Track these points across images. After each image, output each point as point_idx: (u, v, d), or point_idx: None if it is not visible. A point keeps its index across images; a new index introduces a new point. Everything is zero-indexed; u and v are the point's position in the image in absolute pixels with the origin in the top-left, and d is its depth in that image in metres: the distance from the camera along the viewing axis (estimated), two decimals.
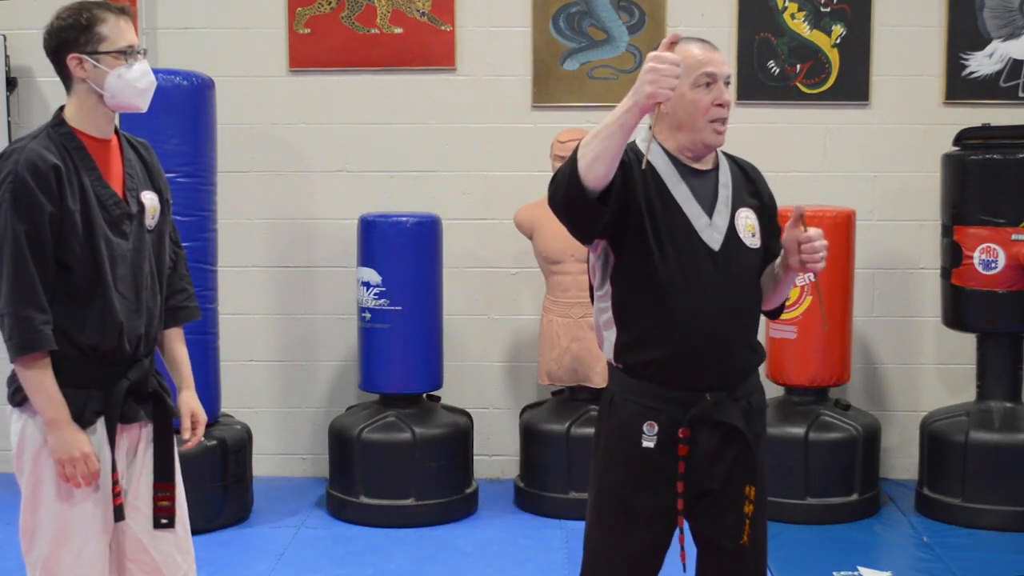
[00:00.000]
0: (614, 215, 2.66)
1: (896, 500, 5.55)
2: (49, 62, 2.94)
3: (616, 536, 2.85)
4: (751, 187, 2.90)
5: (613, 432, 2.84)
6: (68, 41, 2.88)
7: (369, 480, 5.25)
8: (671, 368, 2.76)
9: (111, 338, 2.87)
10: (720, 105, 2.76)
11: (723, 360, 2.78)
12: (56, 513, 2.88)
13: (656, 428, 2.77)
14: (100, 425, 2.90)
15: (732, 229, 2.80)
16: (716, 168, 2.85)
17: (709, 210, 2.79)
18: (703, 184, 2.81)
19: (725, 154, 2.92)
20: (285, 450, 6.02)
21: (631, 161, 2.75)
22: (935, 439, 5.32)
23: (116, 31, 2.89)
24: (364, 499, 5.26)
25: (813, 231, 2.74)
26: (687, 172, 2.81)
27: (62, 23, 2.89)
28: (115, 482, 2.91)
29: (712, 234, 2.77)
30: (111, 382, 2.90)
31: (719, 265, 2.76)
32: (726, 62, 2.82)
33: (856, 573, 4.64)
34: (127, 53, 2.89)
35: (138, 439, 3.01)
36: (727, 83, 2.79)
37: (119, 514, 2.92)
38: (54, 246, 2.82)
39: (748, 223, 2.82)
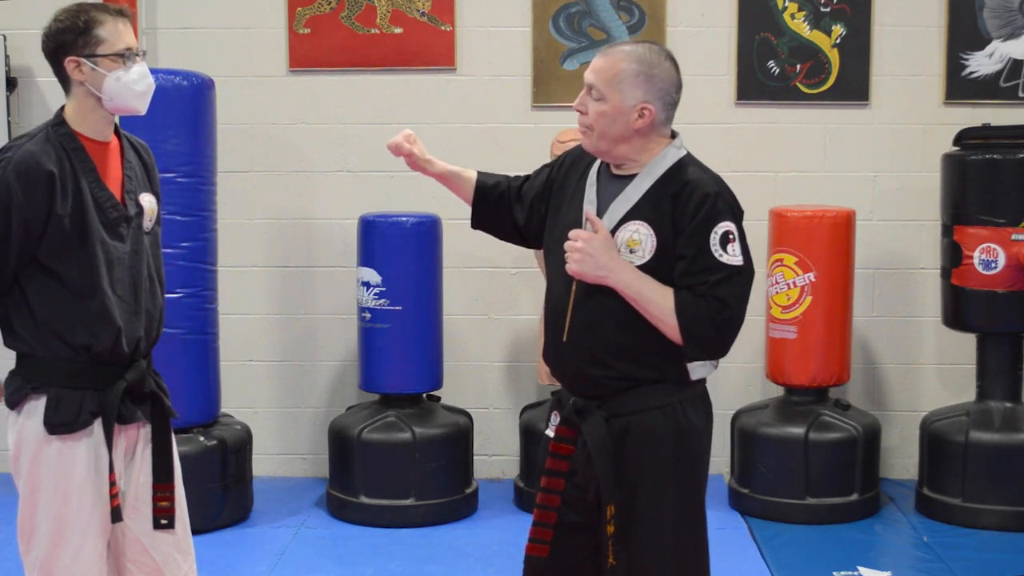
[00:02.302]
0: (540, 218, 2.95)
1: (896, 500, 5.55)
2: (44, 56, 2.93)
3: None
4: (672, 207, 2.75)
5: None
6: (66, 44, 2.87)
7: (369, 480, 5.25)
8: (550, 364, 2.91)
9: (105, 339, 2.87)
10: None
11: (576, 367, 2.81)
12: (53, 514, 2.88)
13: (558, 419, 2.88)
14: (97, 426, 2.90)
15: None
16: (633, 177, 2.81)
17: (599, 213, 2.81)
18: (611, 190, 2.83)
19: (682, 169, 2.80)
20: (285, 450, 6.02)
21: (567, 162, 2.96)
22: (935, 439, 5.32)
23: (114, 34, 2.88)
24: (364, 499, 5.26)
25: (578, 232, 2.75)
26: (606, 176, 2.86)
27: (60, 25, 2.88)
28: (112, 483, 2.91)
29: None
30: (108, 383, 2.90)
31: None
32: (599, 68, 2.78)
33: (856, 573, 4.64)
34: (125, 56, 2.88)
35: (136, 440, 3.01)
36: (591, 89, 2.78)
37: (116, 515, 2.92)
38: (37, 249, 2.81)
39: (632, 238, 2.76)
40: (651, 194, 2.77)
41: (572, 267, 2.75)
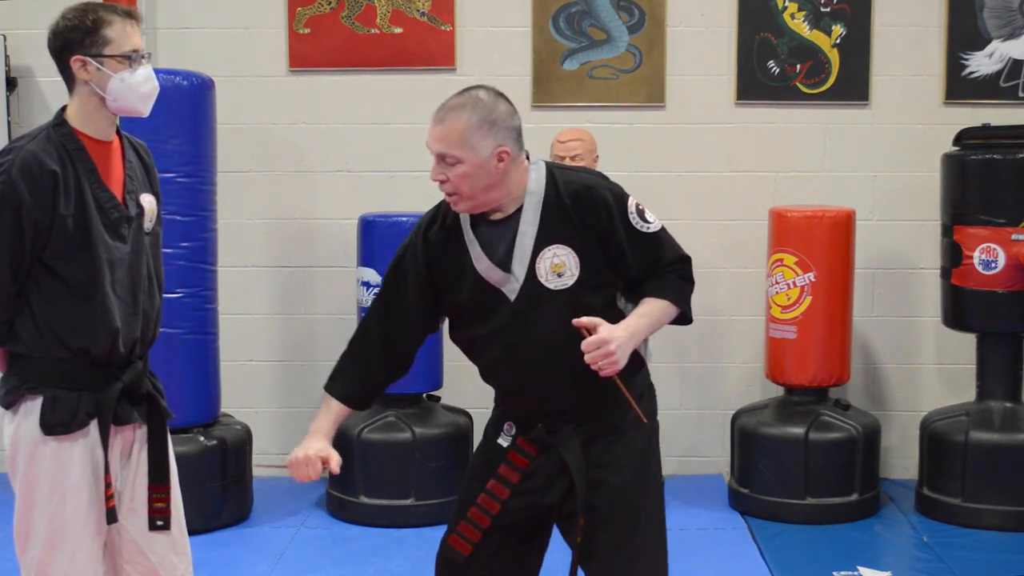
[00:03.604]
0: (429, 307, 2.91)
1: (896, 500, 5.55)
2: (50, 62, 2.93)
3: None
4: (579, 218, 2.77)
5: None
6: (73, 42, 2.86)
7: (369, 480, 5.25)
8: (505, 404, 2.97)
9: (104, 341, 2.87)
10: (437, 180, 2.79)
11: (542, 401, 2.86)
12: (50, 515, 2.88)
13: (514, 429, 2.92)
14: (93, 427, 2.89)
15: (532, 275, 2.78)
16: (516, 213, 2.80)
17: (504, 261, 2.79)
18: (499, 234, 2.81)
19: (559, 182, 2.81)
20: (285, 450, 5.96)
21: (420, 247, 2.90)
22: (935, 439, 5.32)
23: (122, 35, 2.87)
24: (364, 499, 5.26)
25: (592, 339, 2.68)
26: (484, 225, 2.83)
27: (67, 24, 2.87)
28: (108, 484, 2.91)
29: (511, 285, 2.79)
30: (104, 384, 2.90)
31: (517, 315, 2.79)
32: (443, 136, 2.74)
33: (856, 573, 4.64)
34: (131, 58, 2.87)
35: (132, 441, 3.01)
36: (444, 158, 2.75)
37: (111, 516, 2.92)
38: (43, 251, 2.82)
39: (554, 263, 2.77)
40: (547, 216, 2.78)
41: (614, 370, 2.70)
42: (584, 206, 2.78)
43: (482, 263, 2.80)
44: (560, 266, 2.76)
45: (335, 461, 2.87)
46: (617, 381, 2.73)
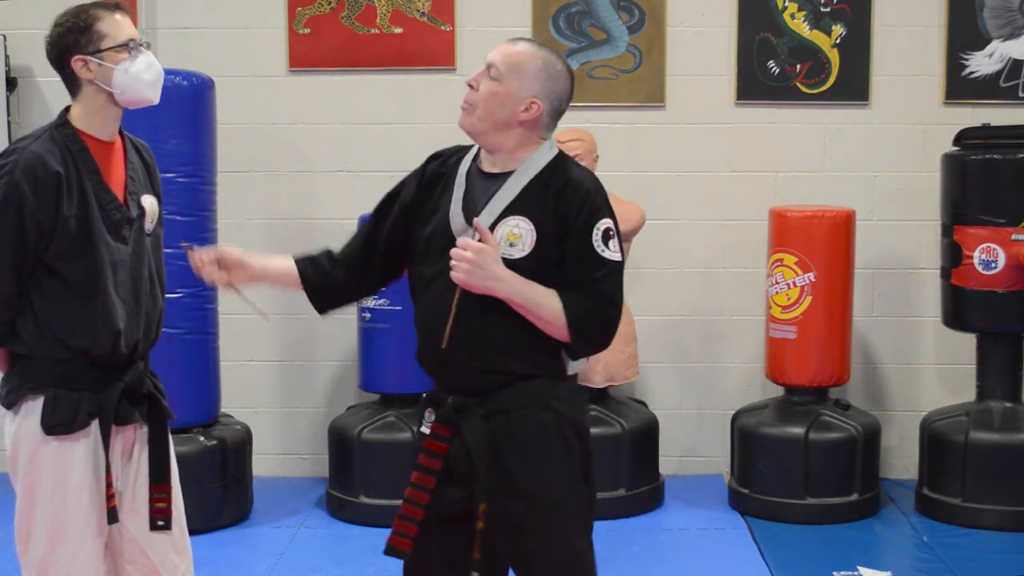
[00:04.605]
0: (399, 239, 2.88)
1: (896, 500, 5.55)
2: (50, 64, 2.94)
3: None
4: (555, 203, 2.76)
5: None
6: (70, 45, 2.89)
7: (369, 480, 5.25)
8: (427, 367, 2.86)
9: (105, 342, 2.88)
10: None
11: (456, 368, 2.78)
12: (51, 515, 2.88)
13: (433, 416, 2.84)
14: (94, 427, 2.90)
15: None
16: (508, 174, 2.80)
17: (472, 214, 2.77)
18: (484, 188, 2.81)
19: (559, 166, 2.81)
20: (285, 450, 6.03)
21: (428, 172, 2.90)
22: (935, 439, 5.32)
23: (115, 27, 2.90)
24: (364, 499, 5.26)
25: (468, 241, 2.67)
26: (477, 176, 2.83)
27: (61, 29, 2.91)
28: (109, 484, 2.91)
29: (466, 236, 2.74)
30: (106, 384, 2.91)
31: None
32: (505, 52, 2.79)
33: (856, 573, 4.64)
34: (130, 47, 2.90)
35: (133, 441, 3.02)
36: (490, 68, 2.78)
37: (112, 516, 2.92)
38: (46, 252, 2.82)
39: (512, 232, 2.74)
40: (530, 190, 2.78)
41: (459, 276, 2.68)
42: (566, 195, 2.76)
43: (455, 207, 2.81)
44: (517, 237, 2.74)
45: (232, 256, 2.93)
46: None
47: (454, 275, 2.69)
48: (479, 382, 2.77)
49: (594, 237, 2.75)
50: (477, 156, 2.87)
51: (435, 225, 2.83)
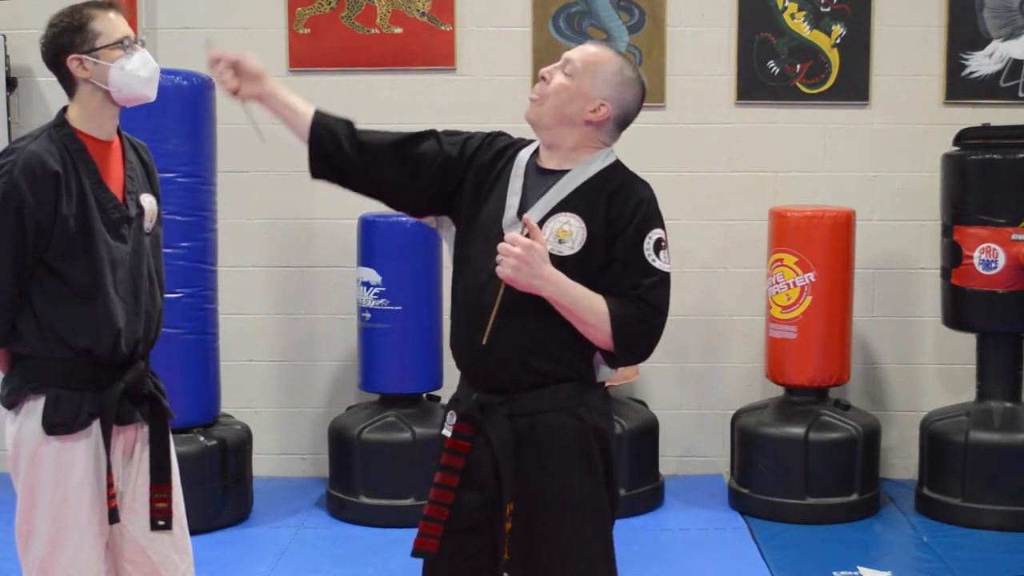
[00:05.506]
0: (444, 192, 2.83)
1: (896, 500, 5.55)
2: (46, 64, 2.95)
3: None
4: (608, 205, 2.75)
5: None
6: (65, 45, 2.90)
7: (369, 480, 5.25)
8: (462, 359, 2.83)
9: (106, 341, 2.88)
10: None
11: (492, 365, 2.74)
12: (52, 515, 2.89)
13: (455, 418, 2.82)
14: (95, 427, 2.90)
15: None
16: (565, 172, 2.79)
17: (525, 207, 2.76)
18: (539, 183, 2.79)
19: (616, 171, 2.82)
20: (285, 450, 6.02)
21: (497, 145, 2.88)
22: (935, 439, 5.32)
23: (108, 25, 2.91)
24: (364, 499, 5.26)
25: (517, 237, 2.63)
26: (533, 170, 2.82)
27: (56, 29, 2.92)
28: (110, 484, 2.91)
29: (516, 228, 2.72)
30: (107, 384, 2.91)
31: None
32: (584, 51, 2.82)
33: (856, 573, 4.64)
34: (124, 44, 2.91)
35: (134, 441, 3.02)
36: (566, 65, 2.80)
37: (113, 516, 2.92)
38: (46, 252, 2.83)
39: (563, 228, 2.73)
40: (584, 189, 2.77)
41: (506, 272, 2.64)
42: (619, 199, 2.75)
43: (512, 199, 2.78)
44: (567, 234, 2.72)
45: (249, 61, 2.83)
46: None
47: (500, 271, 2.65)
48: (511, 381, 2.74)
49: (645, 245, 2.72)
50: (536, 152, 2.86)
51: (488, 212, 2.80)
